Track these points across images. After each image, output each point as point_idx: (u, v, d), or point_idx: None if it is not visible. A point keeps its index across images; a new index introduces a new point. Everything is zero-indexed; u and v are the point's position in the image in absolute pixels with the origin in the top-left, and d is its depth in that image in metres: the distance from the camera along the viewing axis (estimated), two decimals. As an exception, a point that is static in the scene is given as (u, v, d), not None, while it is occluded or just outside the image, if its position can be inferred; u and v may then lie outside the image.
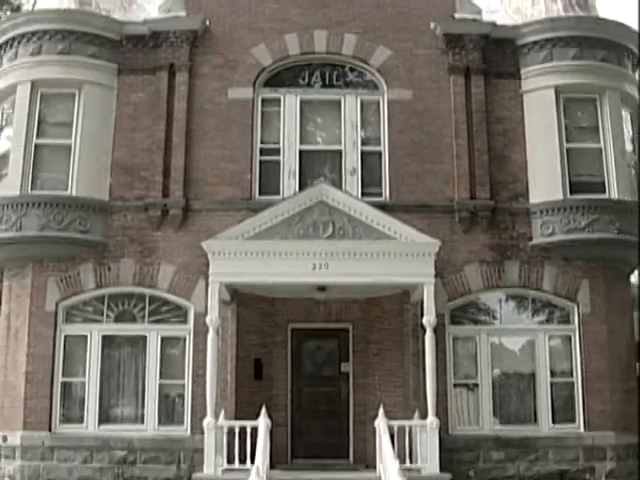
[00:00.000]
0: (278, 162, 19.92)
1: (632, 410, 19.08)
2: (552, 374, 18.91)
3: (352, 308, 19.71)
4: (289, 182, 19.70)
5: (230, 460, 16.34)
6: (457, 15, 20.69)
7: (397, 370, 18.96)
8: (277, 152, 20.01)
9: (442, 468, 16.42)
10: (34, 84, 19.68)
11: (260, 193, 19.67)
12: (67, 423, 18.55)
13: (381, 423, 16.54)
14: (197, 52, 20.35)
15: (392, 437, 16.15)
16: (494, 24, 20.51)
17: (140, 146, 19.71)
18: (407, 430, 16.78)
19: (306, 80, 20.60)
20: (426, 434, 16.55)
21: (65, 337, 18.96)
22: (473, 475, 17.45)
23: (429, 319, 16.95)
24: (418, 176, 19.61)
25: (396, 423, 16.73)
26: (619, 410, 18.72)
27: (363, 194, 19.36)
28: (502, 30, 20.46)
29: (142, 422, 18.59)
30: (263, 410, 16.46)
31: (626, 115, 20.52)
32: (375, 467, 16.91)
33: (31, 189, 19.17)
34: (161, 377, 18.78)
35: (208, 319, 17.00)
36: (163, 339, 18.98)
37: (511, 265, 19.23)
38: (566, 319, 19.24)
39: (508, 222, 19.47)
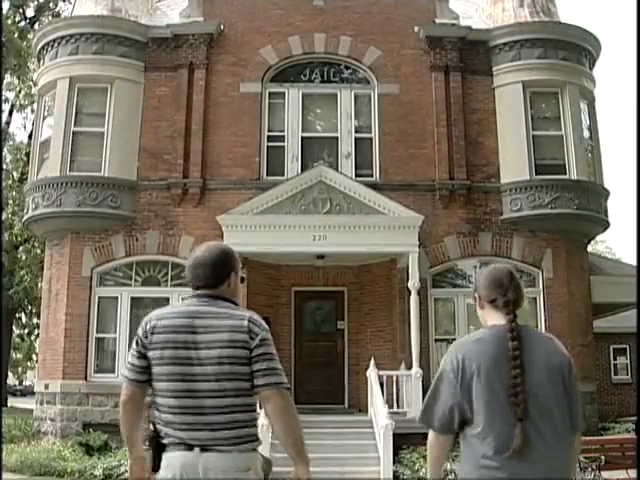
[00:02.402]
0: (283, 147, 19.11)
1: (589, 362, 18.64)
2: (520, 330, 18.24)
3: (347, 273, 19.15)
4: (292, 164, 18.90)
5: (242, 405, 15.90)
6: (438, 20, 19.88)
7: (386, 327, 18.35)
8: (282, 138, 19.18)
9: (425, 412, 15.93)
10: (72, 80, 18.82)
11: (267, 174, 18.84)
12: (100, 373, 17.83)
13: (372, 373, 16.07)
14: (213, 52, 19.47)
15: (381, 385, 15.77)
16: (470, 28, 19.70)
17: (164, 133, 18.88)
18: (394, 379, 16.25)
19: (307, 76, 19.73)
20: (411, 382, 16.11)
21: (99, 298, 18.23)
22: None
23: (413, 283, 16.51)
24: (404, 159, 18.85)
25: (385, 373, 16.26)
26: (578, 361, 17.56)
27: (356, 175, 18.54)
28: (477, 33, 19.63)
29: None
30: (270, 362, 15.88)
31: (584, 106, 19.70)
32: (367, 411, 16.46)
33: (69, 170, 18.38)
34: (181, 333, 18.11)
35: (222, 283, 16.40)
36: (184, 300, 18.17)
37: (484, 236, 18.49)
38: (532, 283, 18.45)
39: (482, 199, 18.71)
